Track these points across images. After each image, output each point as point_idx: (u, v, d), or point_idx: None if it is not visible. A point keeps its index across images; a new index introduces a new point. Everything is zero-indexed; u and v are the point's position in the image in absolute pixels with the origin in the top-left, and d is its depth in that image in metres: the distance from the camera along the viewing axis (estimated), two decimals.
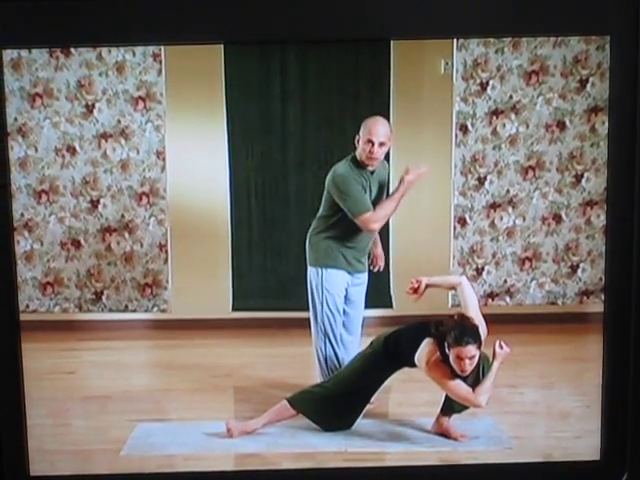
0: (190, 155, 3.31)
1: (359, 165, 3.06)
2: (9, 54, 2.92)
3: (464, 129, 3.31)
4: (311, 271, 3.15)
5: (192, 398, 3.17)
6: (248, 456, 2.84)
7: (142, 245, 3.39)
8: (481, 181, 3.33)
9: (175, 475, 2.67)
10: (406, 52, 3.10)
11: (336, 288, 3.14)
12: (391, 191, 3.09)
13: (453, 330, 2.82)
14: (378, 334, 3.02)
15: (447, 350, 2.83)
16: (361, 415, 2.99)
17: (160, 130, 3.33)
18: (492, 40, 3.17)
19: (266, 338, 3.41)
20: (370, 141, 3.02)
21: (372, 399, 3.02)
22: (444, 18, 2.13)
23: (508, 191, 3.32)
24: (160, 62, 3.29)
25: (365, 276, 3.19)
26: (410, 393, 3.17)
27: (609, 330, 2.29)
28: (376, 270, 3.23)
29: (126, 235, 3.38)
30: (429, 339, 2.88)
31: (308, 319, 3.16)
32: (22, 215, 3.29)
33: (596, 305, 3.20)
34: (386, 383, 3.01)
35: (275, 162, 3.34)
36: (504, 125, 3.29)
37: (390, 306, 3.36)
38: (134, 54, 3.25)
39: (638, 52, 2.14)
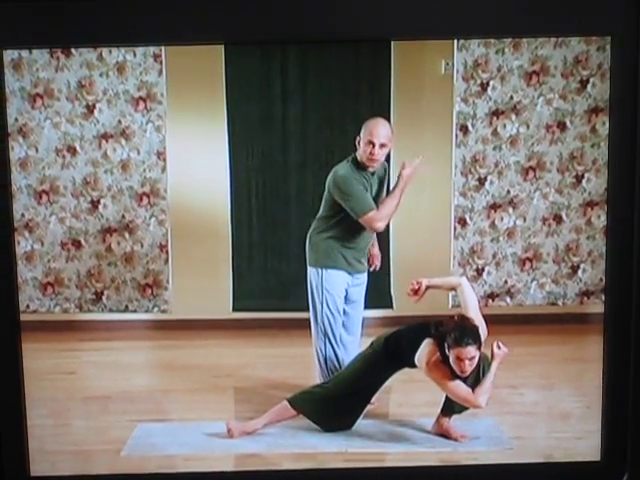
0: (191, 155, 3.31)
1: (360, 166, 3.06)
2: (10, 54, 2.92)
3: (464, 130, 3.31)
4: (311, 271, 3.15)
5: (192, 398, 3.17)
6: (248, 456, 2.84)
7: (142, 245, 3.39)
8: (481, 182, 3.33)
9: (175, 475, 2.67)
10: (406, 52, 3.10)
11: (336, 288, 3.14)
12: (390, 188, 3.09)
13: (453, 331, 2.82)
14: (378, 334, 3.02)
15: (447, 351, 2.83)
16: (361, 416, 2.99)
17: (161, 130, 3.33)
18: (492, 41, 3.17)
19: (266, 338, 3.41)
20: (371, 142, 3.01)
21: (372, 399, 3.02)
22: (445, 18, 2.13)
23: (508, 192, 3.32)
24: (161, 62, 3.29)
25: (365, 276, 3.19)
26: (410, 394, 3.17)
27: (609, 331, 2.29)
28: (372, 269, 3.23)
29: (126, 235, 3.38)
30: (429, 340, 2.88)
31: (308, 319, 3.16)
32: (23, 215, 3.29)
33: (596, 306, 3.20)
34: (386, 384, 3.01)
35: (275, 162, 3.34)
36: (504, 126, 3.29)
37: (390, 306, 3.36)
38: (135, 54, 3.25)
39: (639, 53, 2.14)
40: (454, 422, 2.96)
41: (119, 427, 2.95)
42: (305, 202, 3.31)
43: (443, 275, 3.10)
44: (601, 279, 2.51)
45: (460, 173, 3.33)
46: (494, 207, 3.34)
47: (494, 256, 3.38)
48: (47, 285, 3.35)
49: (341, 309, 3.16)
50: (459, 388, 2.85)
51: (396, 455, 2.86)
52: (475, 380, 2.85)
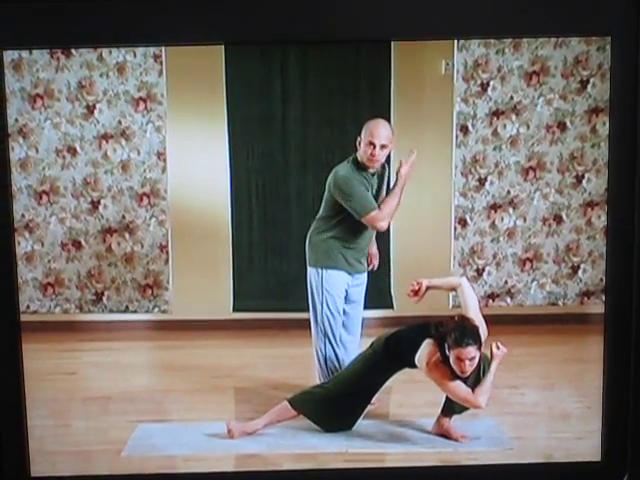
0: (191, 156, 3.31)
1: (360, 166, 3.06)
2: (10, 55, 2.92)
3: (465, 130, 3.31)
4: (311, 272, 3.15)
5: (193, 399, 3.17)
6: (249, 457, 2.84)
7: (143, 246, 3.39)
8: (482, 182, 3.33)
9: (176, 476, 2.67)
10: (407, 53, 3.10)
11: (336, 289, 3.14)
12: (390, 187, 3.10)
13: (453, 331, 2.82)
14: (379, 335, 3.02)
15: (447, 351, 2.83)
16: (362, 416, 2.99)
17: (161, 131, 3.33)
18: (493, 41, 3.17)
19: (267, 339, 3.41)
20: (372, 143, 3.01)
21: (373, 400, 3.02)
22: (445, 19, 2.13)
23: (509, 192, 3.32)
24: (161, 63, 3.29)
25: (365, 276, 3.19)
26: (411, 394, 3.17)
27: (610, 331, 2.29)
28: (370, 269, 3.22)
29: (127, 236, 3.38)
30: (429, 340, 2.88)
31: (308, 320, 3.16)
32: (23, 216, 3.29)
33: (597, 306, 3.20)
34: (387, 384, 3.01)
35: (276, 163, 3.34)
36: (505, 126, 3.29)
37: (391, 307, 3.36)
38: (135, 55, 3.26)
39: (639, 53, 2.14)
40: (454, 422, 2.95)
41: (119, 427, 2.95)
42: (305, 202, 3.31)
43: (443, 275, 3.10)
44: (601, 279, 2.52)
45: (460, 173, 3.33)
46: (494, 207, 3.34)
47: (494, 256, 3.38)
48: (47, 286, 3.35)
49: (341, 309, 3.16)
50: (459, 388, 2.85)
51: (396, 455, 2.86)
52: (475, 380, 2.85)
